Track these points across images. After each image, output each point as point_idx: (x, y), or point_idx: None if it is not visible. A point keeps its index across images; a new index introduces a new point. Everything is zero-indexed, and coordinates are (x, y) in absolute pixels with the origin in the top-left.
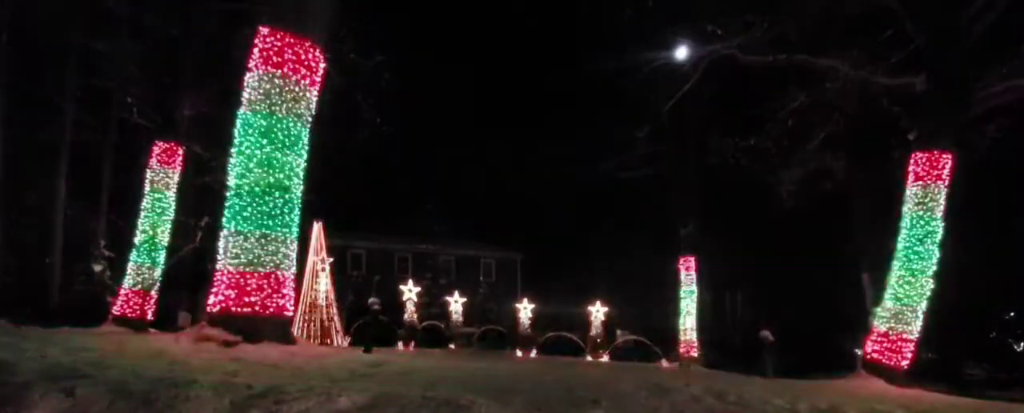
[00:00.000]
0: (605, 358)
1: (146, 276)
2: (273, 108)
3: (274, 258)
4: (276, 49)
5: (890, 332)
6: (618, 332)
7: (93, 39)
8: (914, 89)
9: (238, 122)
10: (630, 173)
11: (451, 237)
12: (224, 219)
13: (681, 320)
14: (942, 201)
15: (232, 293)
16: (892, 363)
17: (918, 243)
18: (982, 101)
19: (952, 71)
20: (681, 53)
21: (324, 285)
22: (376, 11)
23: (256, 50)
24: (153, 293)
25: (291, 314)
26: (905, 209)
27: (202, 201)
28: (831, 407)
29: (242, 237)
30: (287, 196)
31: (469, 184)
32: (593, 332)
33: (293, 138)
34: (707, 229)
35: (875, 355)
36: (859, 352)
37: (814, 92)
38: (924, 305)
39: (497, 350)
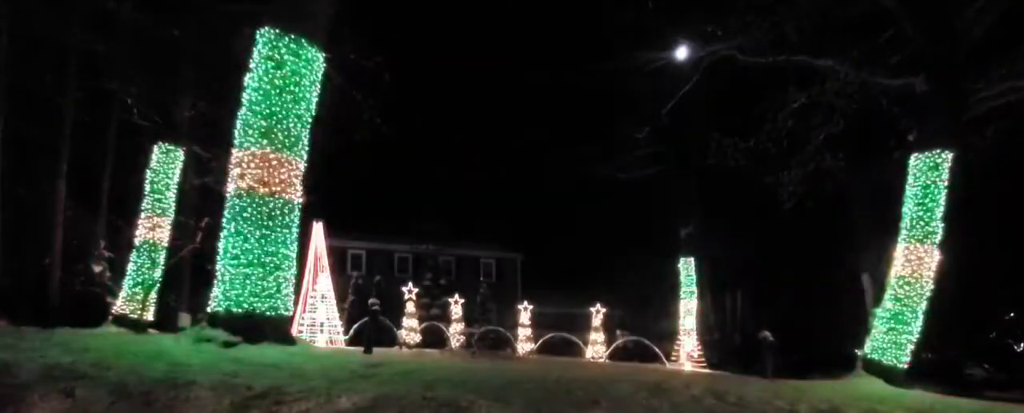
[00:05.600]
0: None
1: (146, 276)
2: (273, 108)
3: (274, 258)
4: (276, 49)
5: (890, 332)
6: (618, 332)
7: (93, 39)
8: (914, 89)
9: (238, 122)
10: (630, 173)
11: (451, 237)
12: (224, 219)
13: (681, 320)
14: (942, 201)
15: (232, 293)
16: (892, 363)
17: (918, 243)
18: (982, 101)
19: (952, 71)
20: (681, 53)
21: (324, 285)
22: (376, 11)
23: (256, 50)
24: (153, 293)
25: (291, 314)
26: (905, 209)
27: (202, 201)
28: (831, 407)
29: (242, 237)
30: (287, 197)
31: (469, 184)
32: (593, 333)
33: (293, 138)
34: (707, 229)
35: (875, 355)
36: (859, 352)
37: (814, 92)
38: (924, 305)
39: (497, 350)
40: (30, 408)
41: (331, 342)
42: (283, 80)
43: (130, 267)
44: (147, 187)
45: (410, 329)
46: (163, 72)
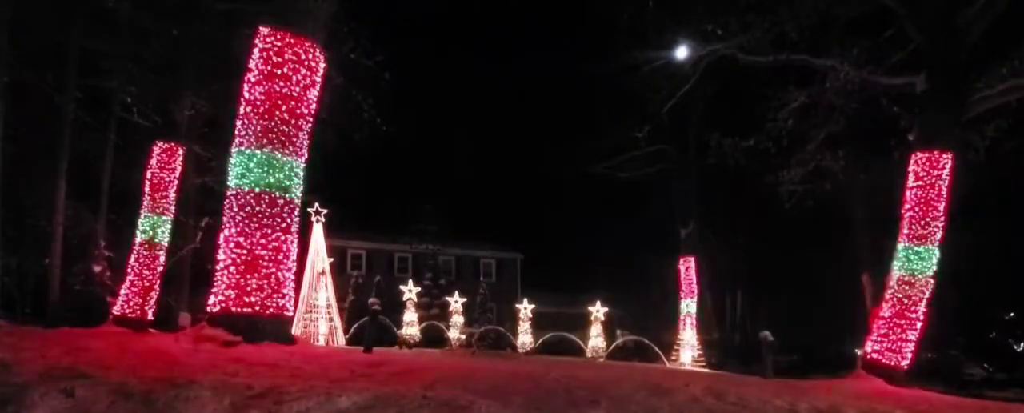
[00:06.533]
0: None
1: (146, 276)
2: (273, 108)
3: (274, 258)
4: (276, 49)
5: (890, 332)
6: (618, 332)
7: (93, 39)
8: (914, 89)
9: (238, 122)
10: (630, 173)
11: (451, 237)
12: (224, 219)
13: (681, 320)
14: (942, 201)
15: (232, 293)
16: (892, 363)
17: (918, 243)
18: (982, 101)
19: (952, 71)
20: (681, 53)
21: (324, 285)
22: (376, 11)
23: (256, 50)
24: (153, 293)
25: (291, 314)
26: (905, 209)
27: (202, 201)
28: (831, 407)
29: (242, 237)
30: (287, 196)
31: (469, 184)
32: (593, 334)
33: (293, 138)
34: (707, 229)
35: (875, 355)
36: (859, 352)
37: (814, 92)
38: (924, 305)
39: (497, 350)
40: (30, 407)
41: (331, 342)
42: (283, 79)
43: (130, 267)
44: (147, 186)
45: (410, 328)
46: (163, 72)
